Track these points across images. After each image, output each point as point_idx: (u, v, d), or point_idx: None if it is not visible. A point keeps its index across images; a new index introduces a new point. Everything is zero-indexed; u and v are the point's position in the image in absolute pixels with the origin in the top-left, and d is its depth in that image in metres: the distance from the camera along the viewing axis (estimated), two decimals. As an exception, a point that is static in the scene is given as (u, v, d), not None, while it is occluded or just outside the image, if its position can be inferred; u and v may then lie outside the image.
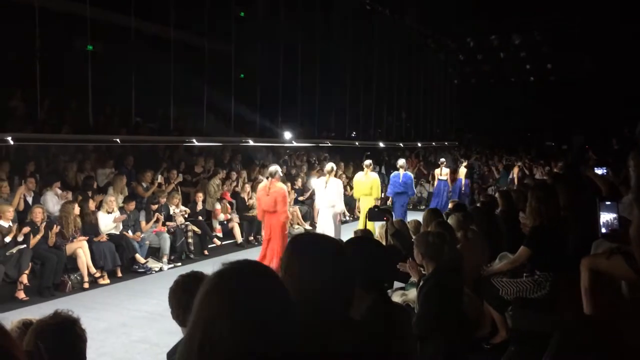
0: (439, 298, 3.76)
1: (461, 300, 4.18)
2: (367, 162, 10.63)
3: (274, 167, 8.55)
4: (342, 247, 1.78)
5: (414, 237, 6.23)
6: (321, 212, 9.61)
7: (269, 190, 8.25)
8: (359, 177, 10.64)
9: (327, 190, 9.30)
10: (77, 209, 8.41)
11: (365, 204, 10.04)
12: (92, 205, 8.83)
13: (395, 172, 11.73)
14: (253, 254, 10.48)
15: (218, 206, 11.08)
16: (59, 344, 2.14)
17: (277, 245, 8.13)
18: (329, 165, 9.61)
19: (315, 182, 10.08)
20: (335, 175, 9.92)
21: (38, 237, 7.74)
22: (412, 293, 5.02)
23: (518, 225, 6.39)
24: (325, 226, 9.32)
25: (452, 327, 3.75)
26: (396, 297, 5.17)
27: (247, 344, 1.18)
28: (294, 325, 1.26)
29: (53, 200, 8.76)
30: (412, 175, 12.26)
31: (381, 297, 2.39)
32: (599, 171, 5.41)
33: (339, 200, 9.43)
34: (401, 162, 11.77)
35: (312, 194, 11.96)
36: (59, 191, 8.92)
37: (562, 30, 21.06)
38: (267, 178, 8.47)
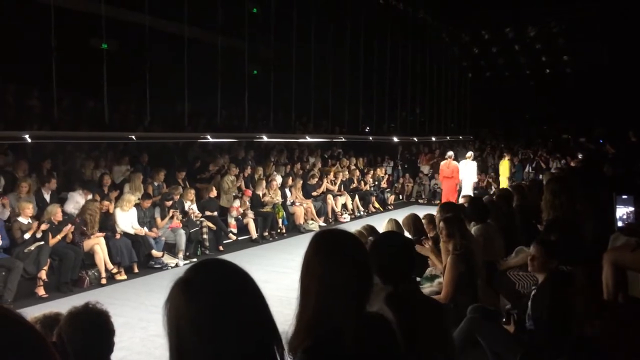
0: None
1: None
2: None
3: (450, 152, 15.03)
4: (360, 243, 1.79)
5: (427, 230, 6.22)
6: (464, 182, 14.59)
7: (449, 165, 14.45)
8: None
9: (467, 168, 14.60)
10: (103, 207, 8.56)
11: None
12: (109, 202, 8.92)
13: None
14: (268, 249, 10.55)
15: (237, 203, 11.12)
16: (89, 336, 2.13)
17: (452, 196, 13.67)
18: (469, 153, 15.42)
19: (462, 163, 14.76)
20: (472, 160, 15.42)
21: (59, 237, 7.81)
22: (428, 288, 5.00)
23: (534, 219, 6.33)
24: (466, 190, 14.06)
25: None
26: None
27: (220, 346, 1.18)
28: (268, 320, 1.27)
29: (80, 202, 8.81)
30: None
31: (398, 290, 2.39)
32: None
33: (476, 174, 15.20)
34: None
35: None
36: (81, 191, 9.02)
37: (578, 21, 20.72)
38: (447, 158, 14.71)
